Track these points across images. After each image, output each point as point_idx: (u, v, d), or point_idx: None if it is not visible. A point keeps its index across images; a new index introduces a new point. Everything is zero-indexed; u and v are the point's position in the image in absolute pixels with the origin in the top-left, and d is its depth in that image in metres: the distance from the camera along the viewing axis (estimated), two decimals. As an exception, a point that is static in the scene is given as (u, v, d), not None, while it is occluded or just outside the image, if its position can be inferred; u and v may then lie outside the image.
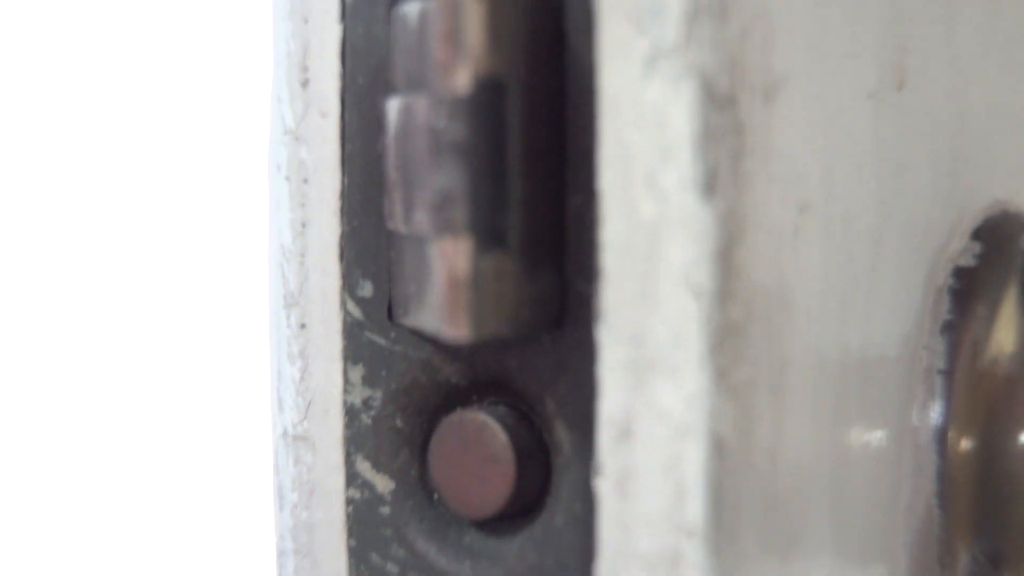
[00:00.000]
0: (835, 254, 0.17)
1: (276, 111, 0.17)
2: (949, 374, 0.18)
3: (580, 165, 0.16)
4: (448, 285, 0.15)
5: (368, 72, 0.17)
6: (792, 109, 0.16)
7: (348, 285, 0.17)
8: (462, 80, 0.15)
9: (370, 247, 0.17)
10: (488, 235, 0.15)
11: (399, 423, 0.17)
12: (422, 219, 0.16)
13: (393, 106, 0.16)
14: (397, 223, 0.16)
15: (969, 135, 0.19)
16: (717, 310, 0.15)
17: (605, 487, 0.16)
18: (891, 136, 0.18)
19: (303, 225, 0.17)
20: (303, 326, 0.17)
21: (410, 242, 0.16)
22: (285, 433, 0.18)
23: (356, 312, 0.17)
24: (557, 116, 0.16)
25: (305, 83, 0.17)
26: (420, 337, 0.17)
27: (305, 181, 0.17)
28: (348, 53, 0.17)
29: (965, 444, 0.18)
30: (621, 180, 0.16)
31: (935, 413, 0.18)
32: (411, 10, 0.16)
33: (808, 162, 0.17)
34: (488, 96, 0.15)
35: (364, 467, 0.17)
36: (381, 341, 0.17)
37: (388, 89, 0.17)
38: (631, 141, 0.16)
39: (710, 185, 0.15)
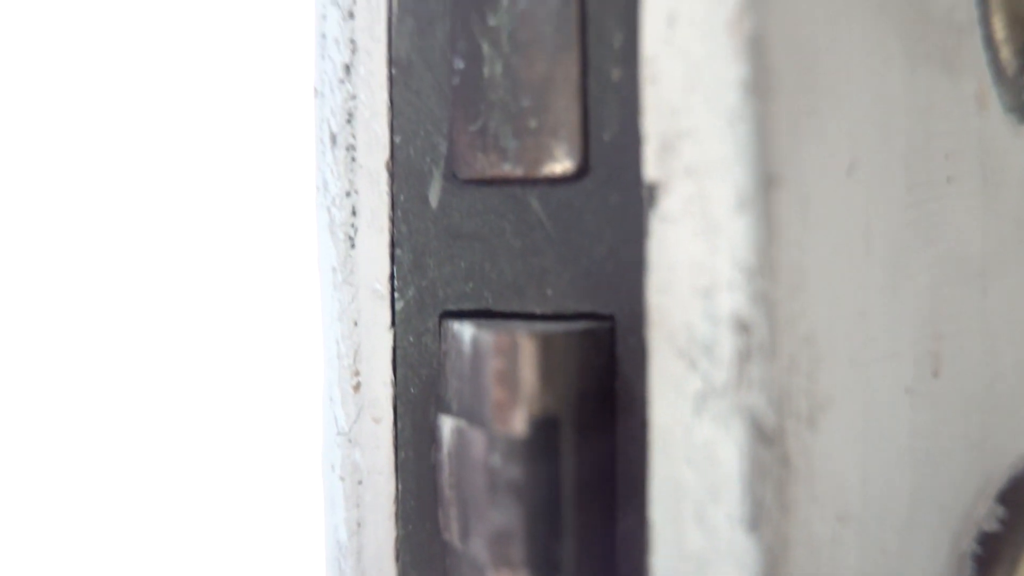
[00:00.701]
0: (869, 552, 0.18)
1: (328, 410, 0.18)
2: (970, 639, 0.18)
3: (631, 492, 0.16)
4: (506, 614, 0.16)
5: (420, 383, 0.17)
6: (835, 426, 0.17)
7: (404, 585, 0.18)
8: (518, 423, 0.16)
9: (425, 552, 0.18)
10: (544, 567, 0.16)
11: None
12: (479, 548, 0.16)
13: (447, 425, 0.16)
14: (453, 539, 0.17)
15: (998, 397, 0.20)
16: (761, 632, 0.16)
17: None
18: (926, 425, 0.18)
19: (359, 525, 0.18)
20: (361, 618, 0.18)
21: (467, 562, 0.17)
22: None
23: (412, 610, 0.18)
24: (609, 447, 0.16)
25: (357, 387, 0.17)
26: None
27: (360, 483, 0.17)
28: (399, 361, 0.17)
29: None
30: (671, 513, 0.16)
31: (955, 675, 0.19)
32: (464, 333, 0.16)
33: (847, 473, 0.17)
34: (543, 435, 0.16)
35: None
36: (438, 639, 0.18)
37: (440, 405, 0.17)
38: (682, 476, 0.16)
39: (756, 519, 0.16)
